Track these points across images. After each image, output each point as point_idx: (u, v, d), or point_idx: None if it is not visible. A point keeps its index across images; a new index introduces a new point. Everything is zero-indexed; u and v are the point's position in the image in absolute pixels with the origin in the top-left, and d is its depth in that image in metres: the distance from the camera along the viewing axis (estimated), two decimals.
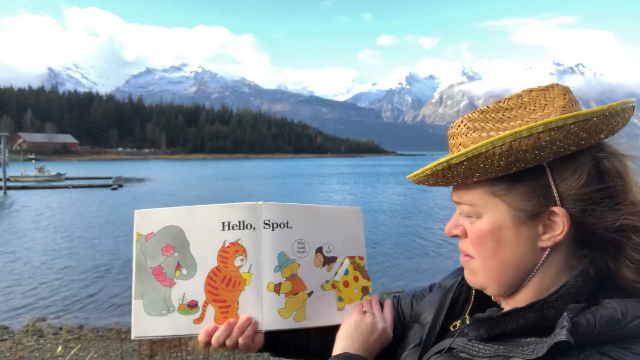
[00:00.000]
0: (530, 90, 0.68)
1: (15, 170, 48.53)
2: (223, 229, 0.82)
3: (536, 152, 0.61)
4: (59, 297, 10.59)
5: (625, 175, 0.65)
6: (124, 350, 7.18)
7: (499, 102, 0.69)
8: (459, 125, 0.71)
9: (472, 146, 0.64)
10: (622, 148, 0.67)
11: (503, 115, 0.67)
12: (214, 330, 0.78)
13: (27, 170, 50.01)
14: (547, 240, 0.65)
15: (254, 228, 0.83)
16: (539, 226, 0.66)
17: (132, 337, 0.80)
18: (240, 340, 0.78)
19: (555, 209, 0.64)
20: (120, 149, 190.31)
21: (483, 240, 0.69)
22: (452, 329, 0.82)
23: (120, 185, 42.92)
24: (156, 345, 6.46)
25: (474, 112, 0.70)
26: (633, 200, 0.65)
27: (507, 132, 0.62)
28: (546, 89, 0.68)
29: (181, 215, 0.82)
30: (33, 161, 60.69)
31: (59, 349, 7.03)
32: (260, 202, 0.85)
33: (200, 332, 0.78)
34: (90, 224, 21.19)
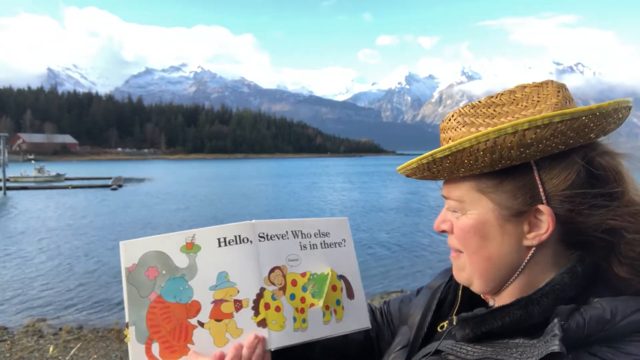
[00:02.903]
0: (524, 86, 0.67)
1: (14, 171, 48.49)
2: (219, 246, 0.79)
3: (521, 149, 0.60)
4: (59, 297, 10.50)
5: (621, 173, 0.64)
6: (123, 350, 7.10)
7: (492, 97, 0.68)
8: (450, 120, 0.71)
9: (457, 141, 0.63)
10: (616, 146, 0.66)
11: (494, 110, 0.66)
12: (222, 356, 0.75)
13: (27, 170, 49.95)
14: (532, 239, 0.65)
15: (251, 242, 0.81)
16: (525, 224, 0.65)
17: None
18: None
19: (541, 207, 0.63)
20: (119, 149, 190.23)
21: (467, 236, 0.69)
22: (439, 329, 0.81)
23: (120, 186, 42.84)
24: None
25: (465, 106, 0.69)
26: (629, 199, 0.63)
27: (490, 128, 0.61)
28: (540, 85, 0.66)
29: (165, 241, 0.78)
30: (32, 161, 60.90)
31: (51, 349, 6.95)
32: (253, 221, 0.83)
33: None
34: (91, 224, 21.07)
